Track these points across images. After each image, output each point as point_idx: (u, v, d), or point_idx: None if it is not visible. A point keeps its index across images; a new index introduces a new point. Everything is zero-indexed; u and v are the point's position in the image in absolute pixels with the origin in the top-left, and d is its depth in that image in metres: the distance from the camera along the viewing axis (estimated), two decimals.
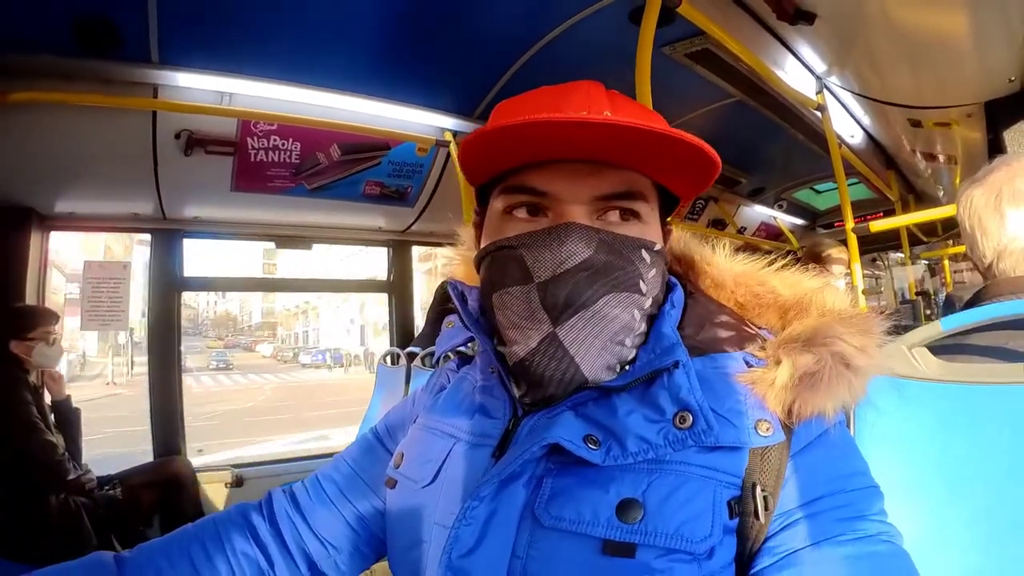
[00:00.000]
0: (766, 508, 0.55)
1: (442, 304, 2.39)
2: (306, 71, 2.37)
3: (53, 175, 2.42)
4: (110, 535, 2.24)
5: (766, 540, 0.55)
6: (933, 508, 0.89)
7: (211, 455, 5.58)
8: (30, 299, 2.52)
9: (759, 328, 0.66)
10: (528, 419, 0.63)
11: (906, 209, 4.17)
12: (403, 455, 0.74)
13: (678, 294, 0.67)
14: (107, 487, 2.43)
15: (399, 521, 0.71)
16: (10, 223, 2.50)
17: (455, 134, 2.83)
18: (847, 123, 3.19)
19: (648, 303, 0.62)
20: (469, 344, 0.77)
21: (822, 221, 5.07)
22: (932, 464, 0.93)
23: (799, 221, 4.95)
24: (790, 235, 4.65)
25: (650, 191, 0.63)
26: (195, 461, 2.87)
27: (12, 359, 2.28)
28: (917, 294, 4.38)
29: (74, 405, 2.51)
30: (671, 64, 2.55)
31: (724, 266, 0.72)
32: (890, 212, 4.30)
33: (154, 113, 2.28)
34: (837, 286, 2.97)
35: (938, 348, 0.96)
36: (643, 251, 0.61)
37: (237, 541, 0.77)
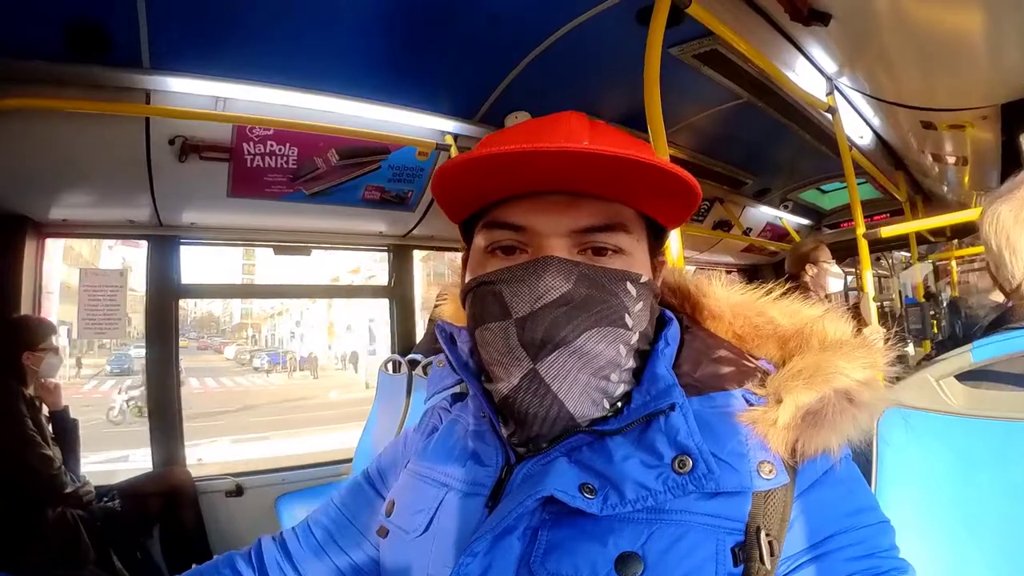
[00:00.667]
0: (772, 553, 0.52)
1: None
2: (303, 75, 2.32)
3: (47, 182, 2.38)
4: (108, 548, 2.21)
5: None
6: (955, 545, 0.87)
7: None
8: (25, 308, 2.49)
9: (758, 360, 0.64)
10: (521, 466, 0.61)
11: (914, 209, 4.14)
12: (394, 503, 0.73)
13: (673, 329, 0.66)
14: (105, 499, 2.40)
15: (393, 572, 0.69)
16: (4, 231, 2.47)
17: (456, 137, 2.78)
18: (856, 124, 3.15)
19: (635, 338, 0.60)
20: (461, 384, 0.75)
21: (828, 221, 5.05)
22: (955, 500, 0.90)
23: (805, 221, 4.92)
24: (796, 235, 4.62)
25: (634, 222, 0.61)
26: (195, 471, 2.83)
27: (9, 370, 2.25)
28: (925, 296, 4.34)
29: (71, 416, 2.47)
30: (678, 65, 2.50)
31: (721, 296, 0.71)
32: (897, 212, 4.27)
33: (147, 119, 2.23)
34: (836, 283, 2.97)
35: (963, 374, 0.92)
36: (628, 283, 0.59)
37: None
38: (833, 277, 3.00)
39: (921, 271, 3.81)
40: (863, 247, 2.63)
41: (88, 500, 2.29)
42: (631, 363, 0.61)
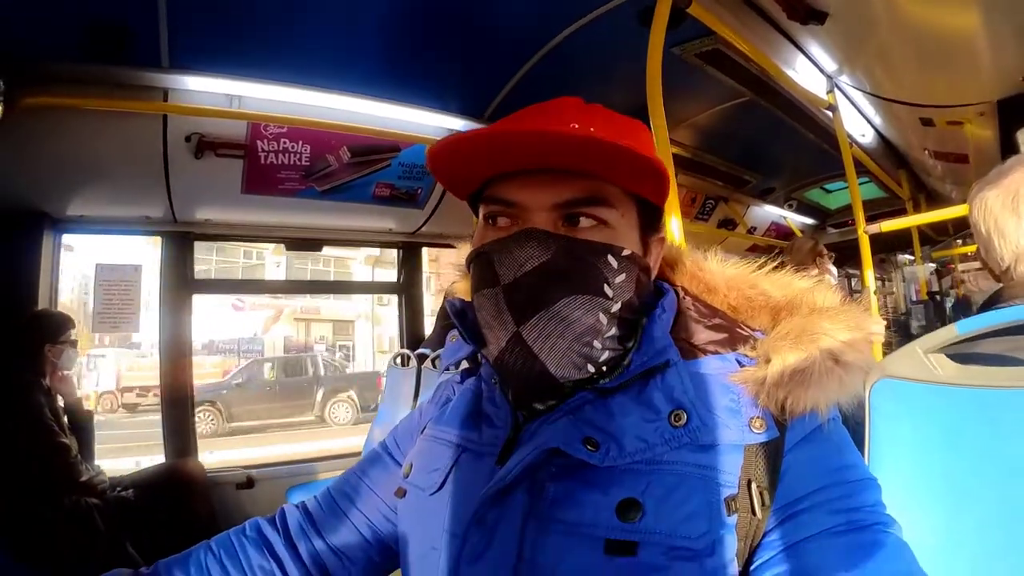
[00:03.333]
0: (763, 504, 0.56)
1: (446, 318, 2.40)
2: (316, 74, 2.38)
3: (65, 179, 2.44)
4: (122, 536, 2.25)
5: (765, 535, 0.56)
6: (945, 512, 0.90)
7: None
8: (43, 301, 2.55)
9: (753, 330, 0.68)
10: (529, 425, 0.66)
11: (917, 208, 4.15)
12: (412, 465, 0.76)
13: (670, 298, 0.69)
14: (119, 488, 2.45)
15: (410, 529, 0.73)
16: (24, 226, 2.53)
17: None
18: (858, 122, 3.18)
19: (616, 307, 0.63)
20: (471, 358, 0.80)
21: (832, 220, 5.07)
22: (945, 469, 0.93)
23: (809, 221, 4.94)
24: (800, 235, 4.57)
25: (619, 199, 0.64)
26: (207, 463, 2.89)
27: (29, 363, 2.31)
28: (929, 295, 4.35)
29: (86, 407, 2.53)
30: (681, 64, 2.54)
31: (716, 270, 0.74)
32: (901, 211, 4.26)
33: (164, 116, 2.29)
34: (832, 279, 3.00)
35: (951, 354, 0.95)
36: (608, 255, 0.62)
37: (253, 556, 0.80)
38: (832, 273, 3.04)
39: (925, 270, 3.82)
40: (864, 244, 2.66)
41: (102, 489, 2.34)
42: (614, 331, 0.63)
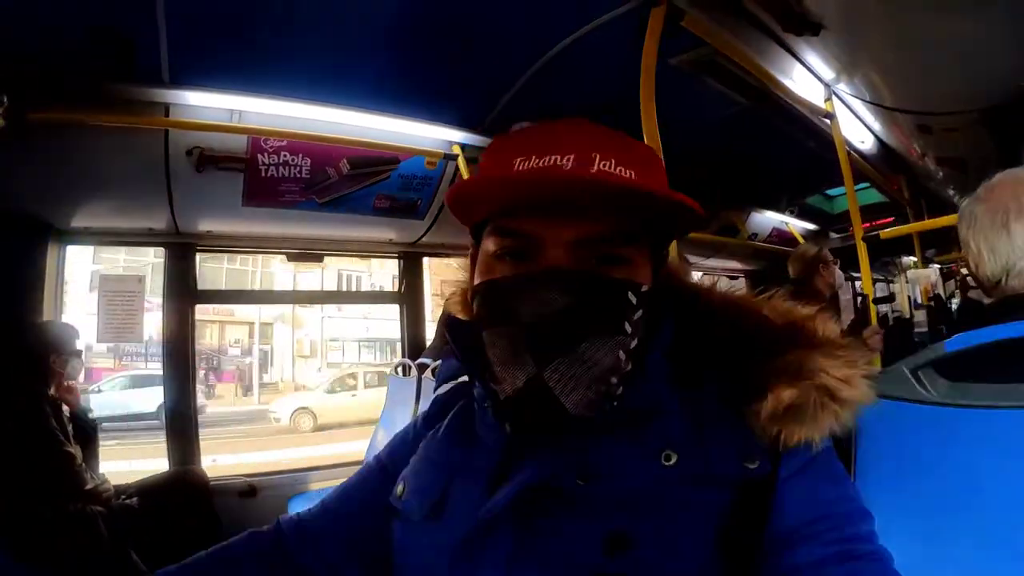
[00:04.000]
0: (755, 538, 0.56)
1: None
2: (315, 88, 2.41)
3: (69, 191, 2.49)
4: (126, 543, 2.27)
5: (759, 568, 0.56)
6: (929, 535, 0.90)
7: None
8: (48, 313, 2.60)
9: (750, 358, 0.66)
10: (520, 452, 0.64)
11: (917, 214, 4.13)
12: (404, 486, 0.75)
13: (669, 327, 0.68)
14: (124, 496, 2.48)
15: (402, 552, 0.72)
16: (29, 238, 2.58)
17: (464, 147, 2.87)
18: (857, 129, 3.18)
19: (634, 343, 0.61)
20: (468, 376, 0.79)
21: (835, 226, 5.05)
22: (932, 488, 0.93)
23: (811, 226, 4.93)
24: (801, 240, 4.60)
25: (637, 234, 0.63)
26: (209, 472, 2.92)
27: (34, 373, 2.34)
28: (930, 299, 4.32)
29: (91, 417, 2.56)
30: (679, 75, 2.55)
31: (717, 296, 0.73)
32: (902, 216, 4.27)
33: (166, 131, 2.34)
34: (839, 285, 3.00)
35: (947, 371, 0.96)
36: (628, 293, 0.61)
37: (248, 569, 0.79)
38: (839, 280, 3.07)
39: (927, 276, 3.78)
40: (862, 251, 2.67)
41: (107, 497, 2.37)
42: (631, 367, 0.62)
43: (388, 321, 20.87)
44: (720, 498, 0.57)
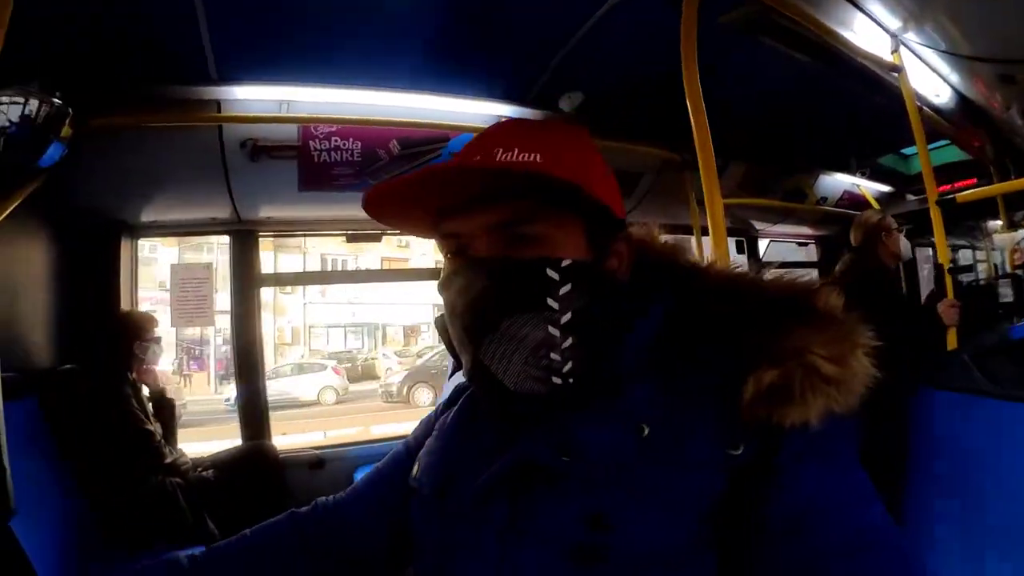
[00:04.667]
0: (749, 523, 0.56)
1: None
2: (360, 73, 2.46)
3: (137, 189, 2.67)
4: (203, 513, 2.46)
5: (761, 555, 0.56)
6: (983, 524, 0.87)
7: None
8: (125, 303, 2.83)
9: (741, 336, 0.65)
10: (511, 435, 0.68)
11: (1003, 173, 3.80)
12: (419, 464, 0.80)
13: (657, 306, 0.69)
14: (200, 469, 2.67)
15: (417, 528, 0.77)
16: (104, 234, 2.79)
17: None
18: (931, 82, 2.95)
19: (566, 317, 0.63)
20: None
21: (912, 187, 4.64)
22: (983, 479, 0.89)
23: (885, 188, 4.60)
24: (875, 204, 4.31)
25: (551, 212, 0.64)
26: (279, 444, 3.11)
27: (118, 359, 2.54)
28: (1017, 267, 3.94)
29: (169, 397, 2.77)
30: (730, 36, 2.44)
31: (714, 272, 0.74)
32: (986, 176, 3.93)
33: (220, 126, 2.45)
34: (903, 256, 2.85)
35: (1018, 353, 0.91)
36: (547, 269, 0.63)
37: (288, 547, 0.85)
38: (904, 247, 2.90)
39: (1012, 239, 3.45)
40: (936, 215, 2.51)
41: (185, 470, 2.55)
42: (572, 340, 0.64)
43: (379, 306, 20.85)
44: (708, 483, 0.57)
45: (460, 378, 0.87)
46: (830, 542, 0.54)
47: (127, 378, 2.53)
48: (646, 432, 0.60)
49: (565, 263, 0.64)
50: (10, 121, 1.75)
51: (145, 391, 2.65)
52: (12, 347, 2.22)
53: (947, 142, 3.72)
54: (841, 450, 0.60)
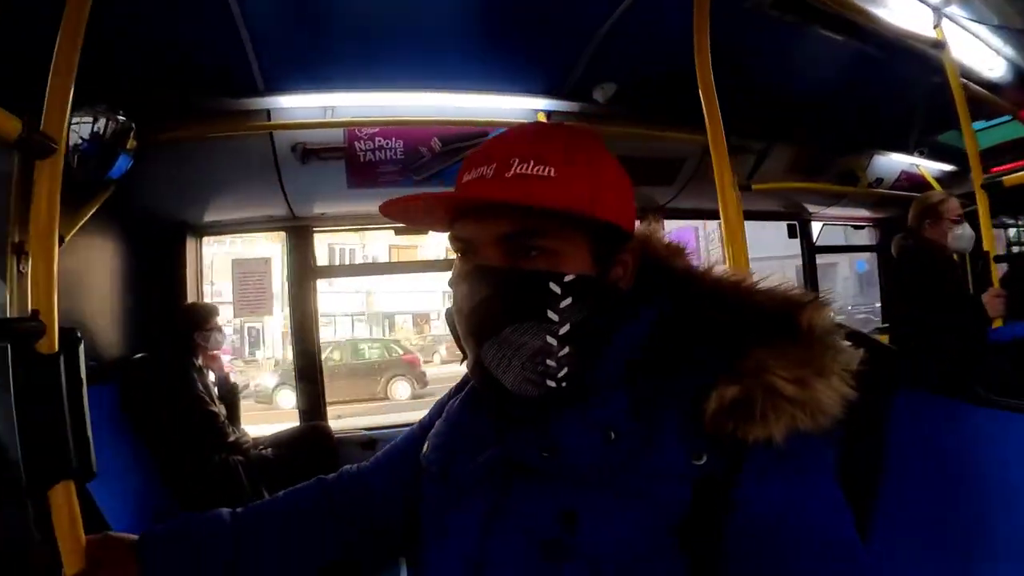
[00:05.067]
0: (706, 534, 0.59)
1: None
2: (399, 76, 2.59)
3: (198, 193, 2.92)
4: (262, 488, 2.66)
5: (723, 565, 0.58)
6: (963, 529, 0.87)
7: None
8: (191, 295, 3.10)
9: (731, 348, 0.66)
10: (502, 429, 0.74)
11: None
12: (428, 445, 0.85)
13: (645, 316, 0.73)
14: (260, 448, 2.89)
15: (424, 504, 0.83)
16: (170, 235, 3.07)
17: (548, 114, 2.90)
18: (981, 55, 2.81)
19: (564, 328, 0.66)
20: None
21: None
22: (964, 493, 0.88)
23: (948, 167, 4.32)
24: (935, 184, 4.07)
25: (558, 226, 0.66)
26: (334, 426, 3.32)
27: (184, 346, 2.78)
28: None
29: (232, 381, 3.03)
30: (763, 21, 2.41)
31: (710, 280, 0.76)
32: None
33: (271, 133, 2.64)
34: (960, 242, 2.70)
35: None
36: (550, 283, 0.66)
37: (315, 511, 0.95)
38: (955, 236, 2.72)
39: None
40: (982, 200, 2.42)
41: (246, 448, 2.77)
42: (568, 349, 0.67)
43: (391, 294, 20.42)
44: (676, 492, 0.60)
45: None
46: (794, 554, 0.57)
47: (194, 364, 2.76)
48: (612, 437, 0.63)
49: (568, 278, 0.66)
50: (82, 139, 1.99)
51: (211, 376, 2.88)
52: (92, 339, 2.48)
53: (1008, 118, 3.50)
54: (808, 467, 0.61)
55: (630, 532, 0.59)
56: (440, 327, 20.58)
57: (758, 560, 0.57)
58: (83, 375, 0.99)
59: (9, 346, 0.88)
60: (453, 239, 0.73)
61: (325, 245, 19.28)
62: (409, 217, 0.77)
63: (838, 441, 0.72)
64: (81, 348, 0.99)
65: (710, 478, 0.60)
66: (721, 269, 0.77)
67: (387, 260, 19.52)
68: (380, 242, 19.24)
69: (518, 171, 0.66)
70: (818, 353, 0.63)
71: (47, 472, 0.92)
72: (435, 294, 20.62)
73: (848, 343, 0.67)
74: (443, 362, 18.15)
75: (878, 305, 5.04)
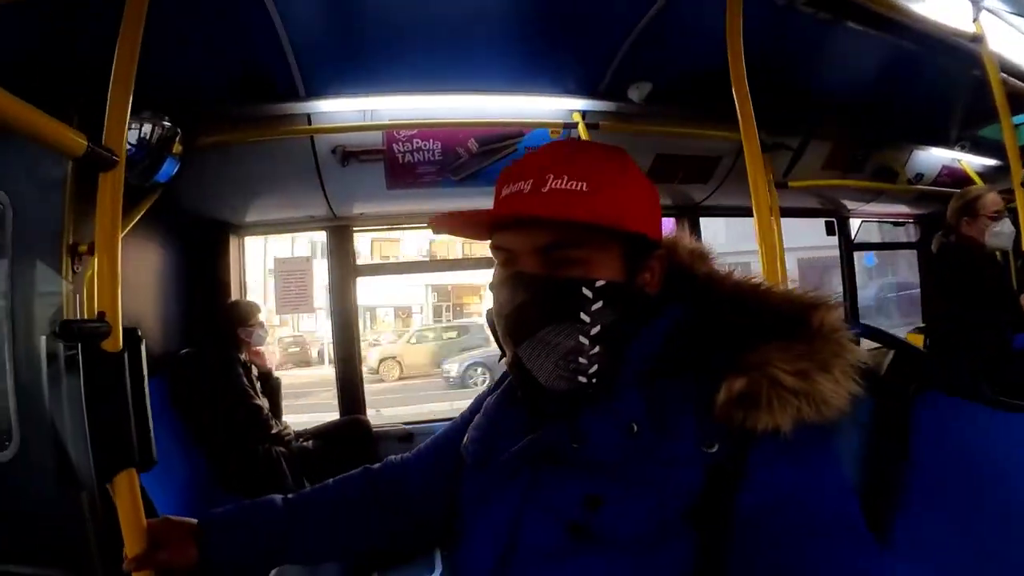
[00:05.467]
0: (718, 518, 0.64)
1: None
2: (436, 79, 2.64)
3: (242, 194, 3.03)
4: (303, 478, 2.75)
5: (731, 546, 0.63)
6: (985, 532, 0.87)
7: None
8: (235, 293, 3.23)
9: (742, 347, 0.71)
10: (538, 420, 0.79)
11: None
12: (468, 437, 0.90)
13: (664, 319, 0.78)
14: (301, 439, 2.98)
15: (461, 492, 0.89)
16: (214, 235, 3.20)
17: (584, 114, 2.91)
18: (1022, 48, 2.75)
19: (595, 329, 0.72)
20: None
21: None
22: (984, 489, 0.89)
23: (991, 162, 4.17)
24: (978, 179, 3.94)
25: (591, 237, 0.72)
26: (373, 420, 3.40)
27: (229, 342, 2.89)
28: None
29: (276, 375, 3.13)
30: (797, 17, 2.40)
31: (729, 284, 0.82)
32: None
33: (311, 136, 2.72)
34: (999, 240, 2.63)
35: None
36: (582, 288, 0.72)
37: (361, 499, 1.03)
38: (993, 233, 2.65)
39: None
40: (1021, 197, 2.37)
41: (288, 440, 2.87)
42: (599, 348, 0.72)
43: (373, 289, 19.05)
44: (688, 477, 0.65)
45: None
46: (800, 531, 0.61)
47: (238, 359, 2.87)
48: (635, 430, 0.69)
49: (599, 284, 0.72)
50: (129, 144, 2.09)
51: (255, 370, 2.97)
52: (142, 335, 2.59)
53: None
54: (814, 454, 0.66)
55: (647, 514, 0.65)
56: (420, 321, 20.54)
57: (766, 537, 0.61)
58: (145, 371, 1.07)
59: (79, 346, 0.94)
60: (494, 248, 0.79)
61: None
62: (453, 228, 0.83)
63: (863, 439, 0.75)
64: (143, 346, 1.06)
65: (721, 464, 0.65)
66: (741, 274, 0.82)
67: (369, 254, 19.41)
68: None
69: (553, 186, 0.72)
70: (821, 348, 0.68)
71: (112, 461, 0.99)
72: (417, 288, 20.66)
73: (876, 344, 0.71)
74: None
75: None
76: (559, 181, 0.72)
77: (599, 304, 0.72)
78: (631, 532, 0.65)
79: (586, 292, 0.72)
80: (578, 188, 0.71)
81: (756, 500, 0.63)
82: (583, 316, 0.72)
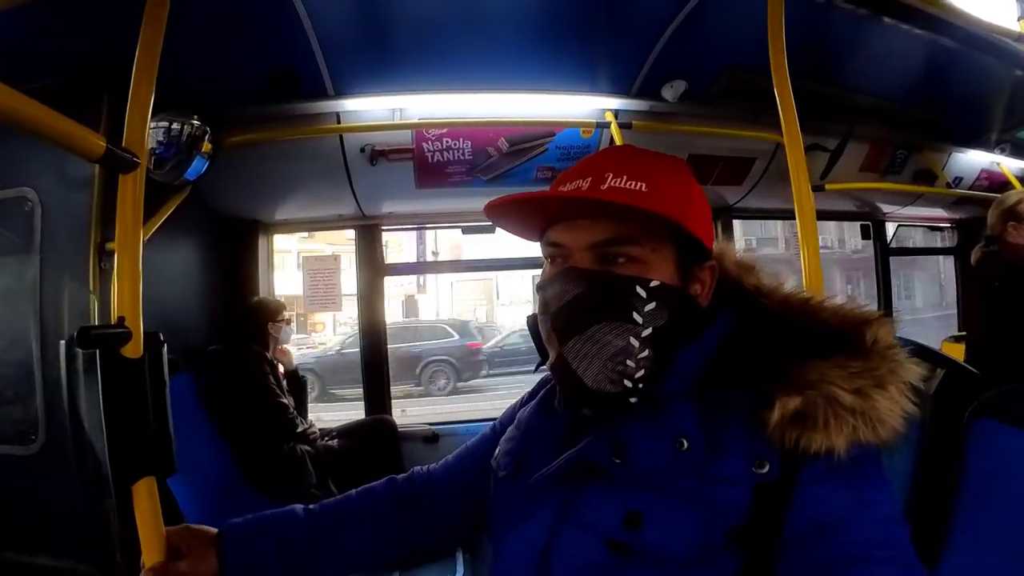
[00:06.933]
0: (768, 538, 0.62)
1: None
2: (466, 78, 2.61)
3: (271, 193, 3.04)
4: (327, 476, 2.75)
5: (775, 568, 0.62)
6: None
7: None
8: (263, 291, 3.23)
9: (792, 362, 0.69)
10: (577, 433, 0.79)
11: None
12: (500, 449, 0.90)
13: (714, 332, 0.77)
14: (327, 438, 2.98)
15: (492, 504, 0.89)
16: (243, 232, 3.20)
17: (617, 114, 2.86)
18: None
19: (647, 331, 0.71)
20: None
21: None
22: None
23: None
24: (1017, 183, 3.80)
25: (648, 236, 0.72)
26: (398, 420, 3.38)
27: (256, 339, 2.89)
28: None
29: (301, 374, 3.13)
30: (835, 13, 2.34)
31: (778, 297, 0.80)
32: None
33: (340, 135, 2.71)
34: None
35: None
36: (636, 287, 0.71)
37: (384, 512, 1.01)
38: None
39: None
40: None
41: (313, 438, 2.86)
42: (648, 352, 0.71)
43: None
44: (735, 496, 0.64)
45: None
46: (849, 548, 0.59)
47: (265, 357, 2.86)
48: (685, 446, 0.67)
49: (653, 284, 0.71)
50: (158, 142, 2.11)
51: (281, 368, 2.97)
52: (170, 331, 2.60)
53: None
54: (864, 476, 0.64)
55: (690, 533, 0.63)
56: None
57: (813, 561, 0.60)
58: (166, 376, 1.05)
59: (98, 352, 0.93)
60: (546, 244, 0.78)
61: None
62: (507, 223, 0.82)
63: (913, 458, 0.71)
64: (164, 351, 1.05)
65: (771, 484, 0.63)
66: (791, 286, 0.81)
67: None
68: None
69: (613, 184, 0.72)
70: (877, 365, 0.66)
71: (131, 469, 0.97)
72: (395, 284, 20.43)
73: (927, 363, 0.68)
74: None
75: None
76: (619, 180, 0.72)
77: (652, 305, 0.71)
78: (671, 550, 0.64)
79: (640, 291, 0.71)
80: (637, 187, 0.71)
81: (804, 522, 0.61)
82: (635, 316, 0.71)
